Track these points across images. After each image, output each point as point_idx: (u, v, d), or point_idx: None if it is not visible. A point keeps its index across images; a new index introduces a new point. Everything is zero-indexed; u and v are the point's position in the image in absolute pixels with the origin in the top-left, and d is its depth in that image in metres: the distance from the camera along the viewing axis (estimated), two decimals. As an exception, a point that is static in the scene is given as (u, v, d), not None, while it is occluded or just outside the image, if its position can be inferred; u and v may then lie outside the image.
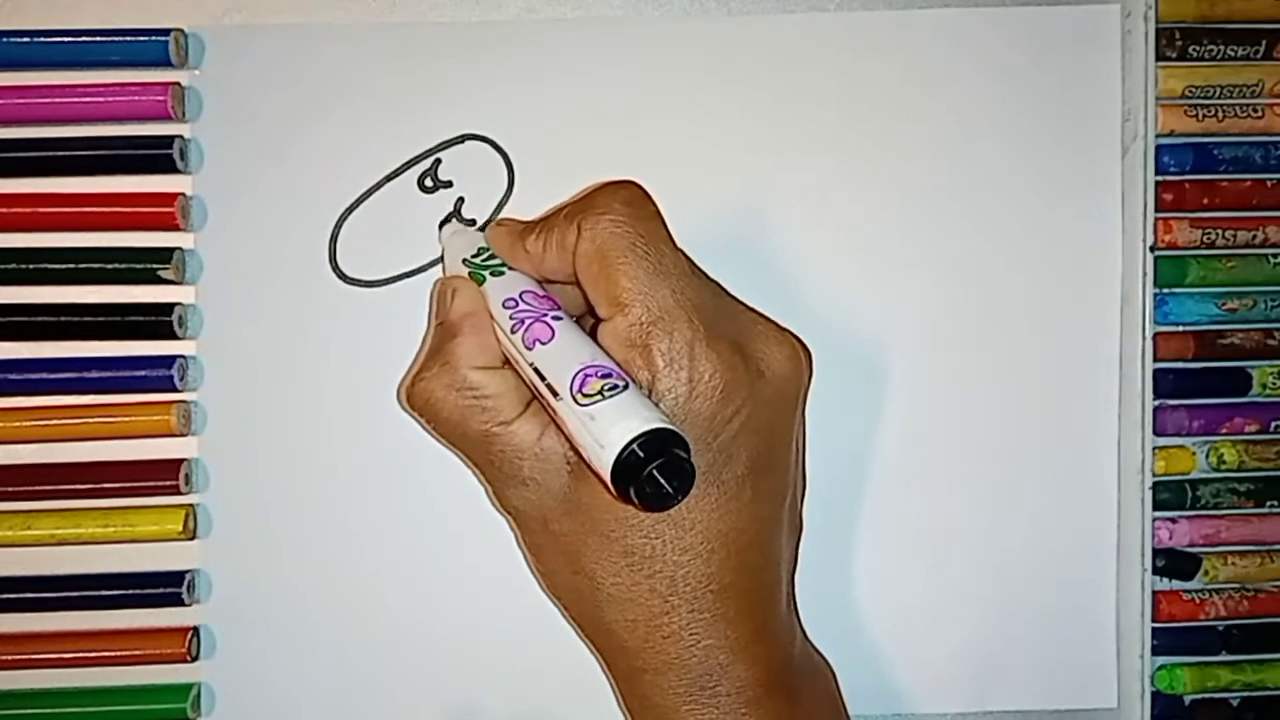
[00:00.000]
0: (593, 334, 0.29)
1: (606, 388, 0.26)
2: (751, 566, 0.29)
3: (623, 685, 0.31)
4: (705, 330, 0.28)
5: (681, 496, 0.25)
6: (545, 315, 0.29)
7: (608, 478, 0.25)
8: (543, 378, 0.28)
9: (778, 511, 0.30)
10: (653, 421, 0.25)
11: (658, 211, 0.29)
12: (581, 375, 0.27)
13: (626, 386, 0.26)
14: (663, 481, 0.25)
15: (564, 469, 0.29)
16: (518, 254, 0.31)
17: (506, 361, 0.30)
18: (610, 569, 0.29)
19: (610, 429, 0.25)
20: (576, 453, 0.28)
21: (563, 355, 0.28)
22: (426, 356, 0.31)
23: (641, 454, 0.25)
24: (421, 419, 0.30)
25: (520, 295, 0.30)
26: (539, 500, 0.29)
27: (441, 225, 0.35)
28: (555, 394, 0.27)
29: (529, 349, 0.28)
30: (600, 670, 0.35)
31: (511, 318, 0.29)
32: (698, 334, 0.28)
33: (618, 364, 0.28)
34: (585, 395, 0.26)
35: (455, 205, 0.36)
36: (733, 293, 0.31)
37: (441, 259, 0.35)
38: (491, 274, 0.31)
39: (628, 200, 0.29)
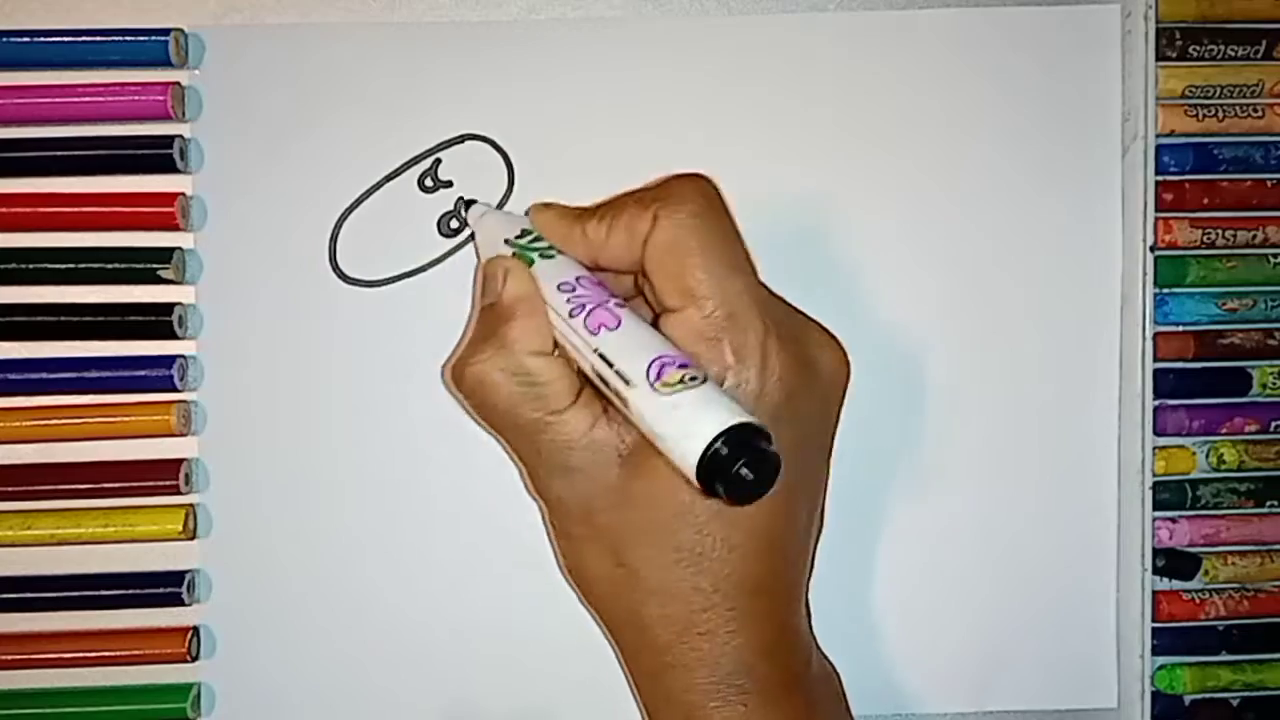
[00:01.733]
0: (653, 325, 0.29)
1: (687, 377, 0.26)
2: (784, 568, 0.29)
3: (645, 681, 0.30)
4: (775, 328, 0.28)
5: (767, 489, 0.25)
6: (607, 302, 0.28)
7: (693, 468, 0.25)
8: (610, 364, 0.27)
9: (813, 514, 0.30)
10: (740, 415, 0.25)
11: (728, 208, 0.29)
12: (659, 364, 0.26)
13: (706, 379, 0.26)
14: (749, 474, 0.24)
15: (615, 460, 0.29)
16: (574, 237, 0.30)
17: (556, 347, 0.30)
18: (657, 564, 0.28)
19: (697, 419, 0.25)
20: (649, 442, 0.27)
21: (634, 342, 0.27)
22: (478, 339, 0.30)
23: (725, 449, 0.25)
24: (469, 402, 0.30)
25: (577, 280, 0.29)
26: (586, 491, 0.29)
27: (467, 206, 0.35)
28: (627, 381, 0.26)
29: (594, 334, 0.28)
30: (599, 670, 0.35)
31: (570, 301, 0.29)
32: (770, 332, 0.28)
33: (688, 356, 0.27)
34: (665, 384, 0.26)
35: (455, 204, 0.36)
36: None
37: (471, 240, 0.35)
38: (541, 256, 0.30)
39: (706, 194, 0.29)
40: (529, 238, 0.31)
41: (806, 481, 0.30)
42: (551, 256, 0.30)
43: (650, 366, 0.26)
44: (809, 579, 0.31)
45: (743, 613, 0.29)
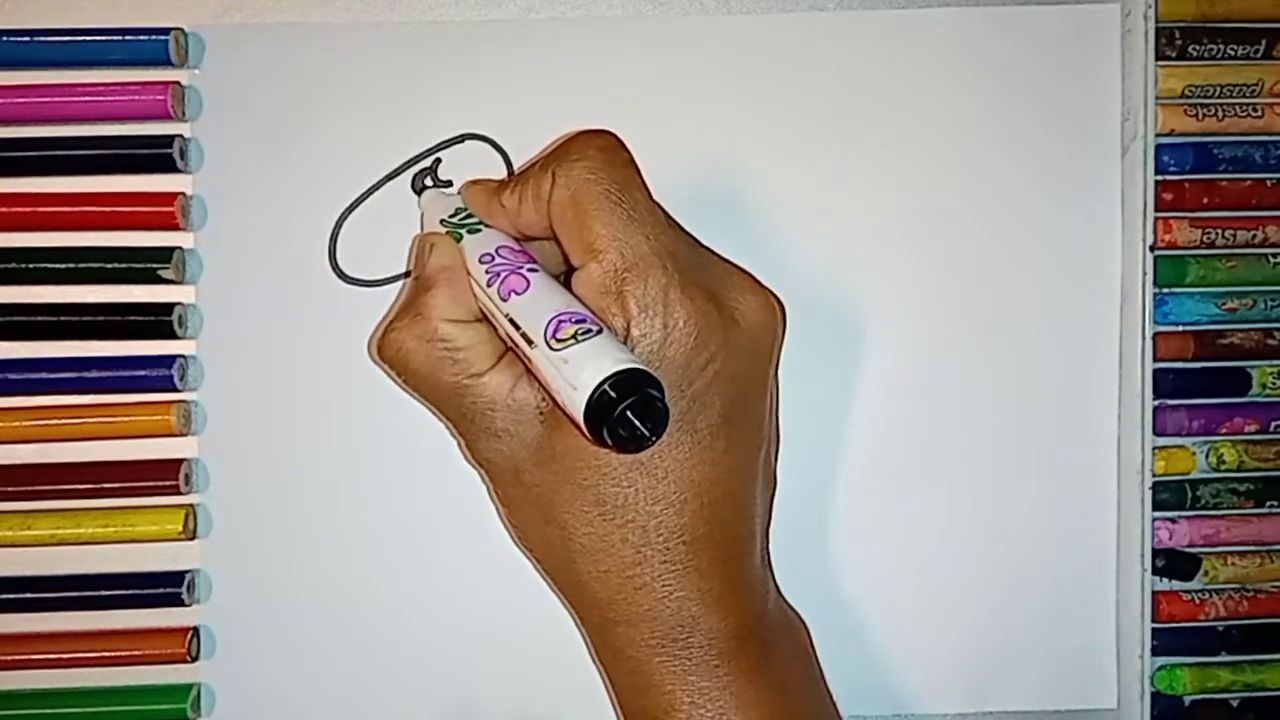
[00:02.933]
0: (567, 285, 0.29)
1: (580, 332, 0.26)
2: (724, 518, 0.29)
3: (595, 637, 0.31)
4: (680, 277, 0.28)
5: (655, 438, 0.25)
6: (521, 268, 0.29)
7: (581, 419, 0.25)
8: (517, 327, 0.28)
9: (752, 464, 0.30)
10: (625, 362, 0.25)
11: (632, 159, 0.29)
12: (555, 321, 0.27)
13: (600, 331, 0.27)
14: (636, 422, 0.25)
15: (537, 420, 0.29)
16: (494, 209, 0.31)
17: (481, 317, 0.30)
18: (583, 519, 0.29)
19: (583, 370, 0.25)
20: (551, 399, 0.28)
21: (537, 304, 0.28)
22: (400, 309, 0.30)
23: (614, 395, 0.25)
24: (391, 371, 0.30)
25: (496, 250, 0.30)
26: (511, 452, 0.29)
27: (420, 192, 0.35)
28: (530, 341, 0.27)
29: (504, 300, 0.28)
30: (594, 670, 0.35)
31: (487, 271, 0.29)
32: (672, 280, 0.28)
33: (592, 311, 0.28)
34: (559, 340, 0.26)
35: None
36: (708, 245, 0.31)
37: (421, 225, 0.35)
38: (469, 232, 0.31)
39: (602, 147, 0.29)
40: (461, 215, 0.32)
41: (738, 431, 0.29)
42: (479, 231, 0.31)
43: (549, 324, 0.27)
44: (765, 531, 0.31)
45: (680, 565, 0.28)
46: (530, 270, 0.29)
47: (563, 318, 0.27)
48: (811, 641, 0.32)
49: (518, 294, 0.28)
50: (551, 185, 0.29)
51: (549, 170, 0.29)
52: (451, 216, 0.32)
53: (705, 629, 0.29)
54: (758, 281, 0.30)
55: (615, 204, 0.28)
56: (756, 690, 0.29)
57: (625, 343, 0.27)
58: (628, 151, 0.29)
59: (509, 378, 0.29)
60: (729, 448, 0.29)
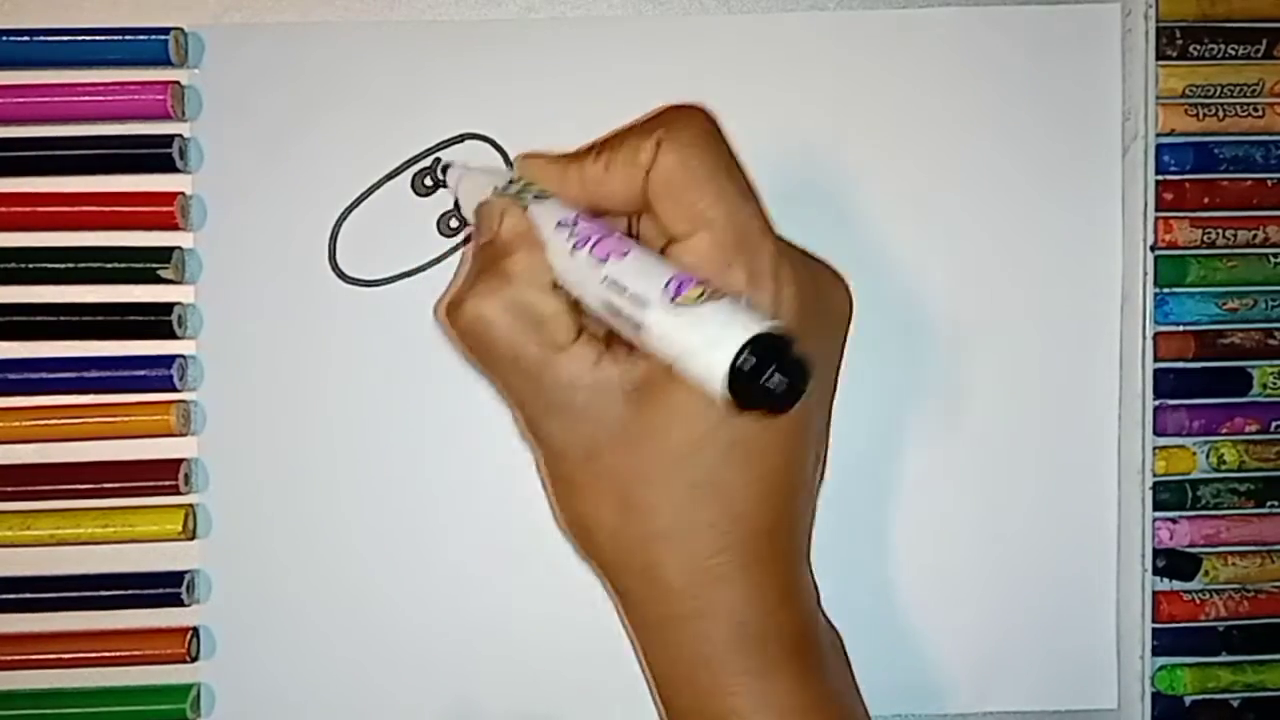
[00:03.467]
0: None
1: (704, 294, 0.25)
2: (796, 511, 0.29)
3: (651, 634, 0.29)
4: (786, 253, 0.27)
5: (798, 397, 0.24)
6: (613, 234, 0.28)
7: (721, 379, 0.24)
8: (622, 290, 0.26)
9: (820, 456, 0.30)
10: (763, 322, 0.24)
11: (729, 138, 0.29)
12: (676, 282, 0.26)
13: (723, 295, 0.25)
14: (789, 375, 0.24)
15: (620, 397, 0.28)
16: (570, 177, 0.29)
17: (556, 287, 0.29)
18: (671, 501, 0.27)
19: (723, 329, 0.24)
20: (658, 375, 0.26)
21: (646, 266, 0.26)
22: (474, 275, 0.28)
23: (753, 358, 0.24)
24: (465, 342, 0.29)
25: (575, 217, 0.28)
26: (589, 432, 0.28)
27: (444, 170, 0.34)
28: (644, 304, 0.26)
29: (603, 261, 0.27)
30: (600, 671, 0.35)
31: (571, 236, 0.28)
32: (782, 256, 0.27)
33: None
34: (685, 299, 0.25)
35: (455, 204, 0.36)
36: None
37: (456, 207, 0.34)
38: (534, 199, 0.29)
39: (707, 123, 0.28)
40: (518, 186, 0.31)
41: (814, 421, 0.29)
42: (544, 200, 0.30)
43: (669, 284, 0.26)
44: (811, 528, 0.31)
45: (758, 557, 0.28)
46: (623, 237, 0.28)
47: (682, 280, 0.26)
48: (844, 645, 0.32)
49: (618, 257, 0.27)
50: (656, 154, 0.27)
51: (652, 137, 0.27)
52: (506, 188, 0.31)
53: (778, 623, 0.28)
54: (838, 273, 0.30)
55: (727, 177, 0.27)
56: (815, 693, 0.28)
57: None
58: (724, 129, 0.29)
59: (593, 351, 0.28)
60: (808, 435, 0.28)
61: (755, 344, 0.24)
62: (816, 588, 0.31)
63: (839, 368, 0.30)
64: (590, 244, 0.27)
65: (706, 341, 0.24)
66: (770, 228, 0.28)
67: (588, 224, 0.28)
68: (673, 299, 0.25)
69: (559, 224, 0.28)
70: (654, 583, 0.28)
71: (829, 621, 0.32)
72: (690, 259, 0.27)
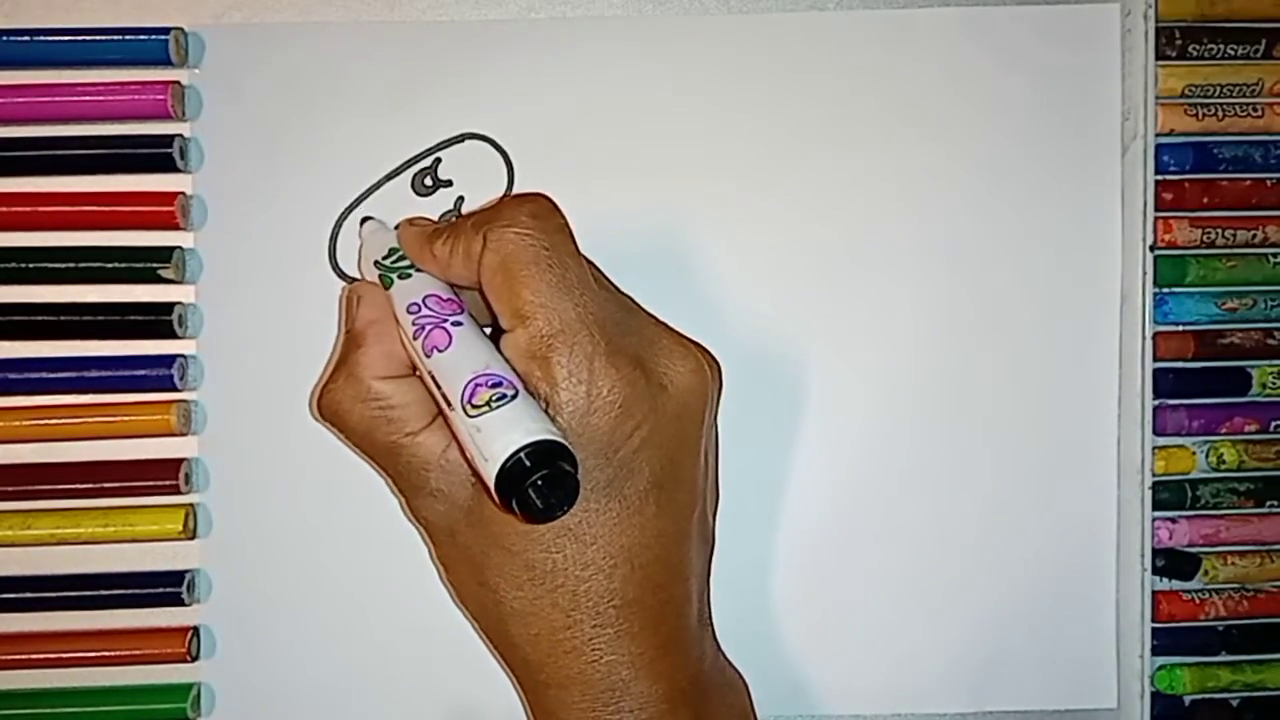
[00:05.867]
0: (495, 343, 0.29)
1: (495, 398, 0.26)
2: (657, 582, 0.29)
3: (529, 698, 0.30)
4: (606, 345, 0.28)
5: (564, 509, 0.25)
6: (445, 321, 0.29)
7: (492, 488, 0.25)
8: (439, 386, 0.27)
9: (685, 525, 0.30)
10: (535, 434, 0.25)
11: (565, 224, 0.29)
12: (472, 385, 0.26)
13: (515, 396, 0.26)
14: (541, 493, 0.25)
15: (468, 481, 0.29)
16: (425, 257, 0.30)
17: (414, 369, 0.30)
18: (512, 583, 0.29)
19: (494, 441, 0.25)
20: (468, 464, 0.28)
21: (456, 363, 0.27)
22: (334, 367, 0.30)
23: (529, 464, 0.25)
24: (331, 429, 0.30)
25: (424, 300, 0.29)
26: (446, 512, 0.29)
27: (363, 222, 0.35)
28: (449, 404, 0.27)
29: (427, 356, 0.28)
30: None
31: (414, 323, 0.29)
32: (598, 348, 0.28)
33: (518, 374, 0.27)
34: (474, 406, 0.26)
35: (455, 204, 0.36)
36: (643, 305, 0.31)
37: (358, 256, 0.35)
38: (399, 276, 0.31)
39: (534, 213, 0.29)
40: (394, 257, 0.32)
41: (668, 495, 0.29)
42: (409, 276, 0.31)
43: (465, 388, 0.26)
44: (703, 590, 0.31)
45: (610, 630, 0.28)
46: (454, 324, 0.29)
47: (479, 381, 0.27)
48: (751, 701, 0.32)
49: (439, 350, 0.28)
50: (482, 247, 0.28)
51: (480, 231, 0.29)
52: (385, 258, 0.32)
53: (636, 693, 0.29)
54: (690, 343, 0.30)
55: (545, 270, 0.28)
56: None
57: (549, 410, 0.27)
58: (561, 215, 0.29)
59: (443, 437, 0.29)
60: (659, 512, 0.29)
61: (530, 454, 0.25)
62: (716, 639, 0.32)
63: (704, 442, 0.30)
64: (424, 334, 0.28)
65: (481, 452, 0.26)
66: (593, 320, 0.28)
67: (432, 308, 0.29)
68: (465, 403, 0.26)
69: (408, 307, 0.29)
70: (515, 653, 0.30)
71: (734, 671, 0.32)
72: (512, 353, 0.28)
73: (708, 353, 0.30)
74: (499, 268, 0.28)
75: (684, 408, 0.29)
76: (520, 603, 0.29)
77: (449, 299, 0.30)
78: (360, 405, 0.29)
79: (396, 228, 0.33)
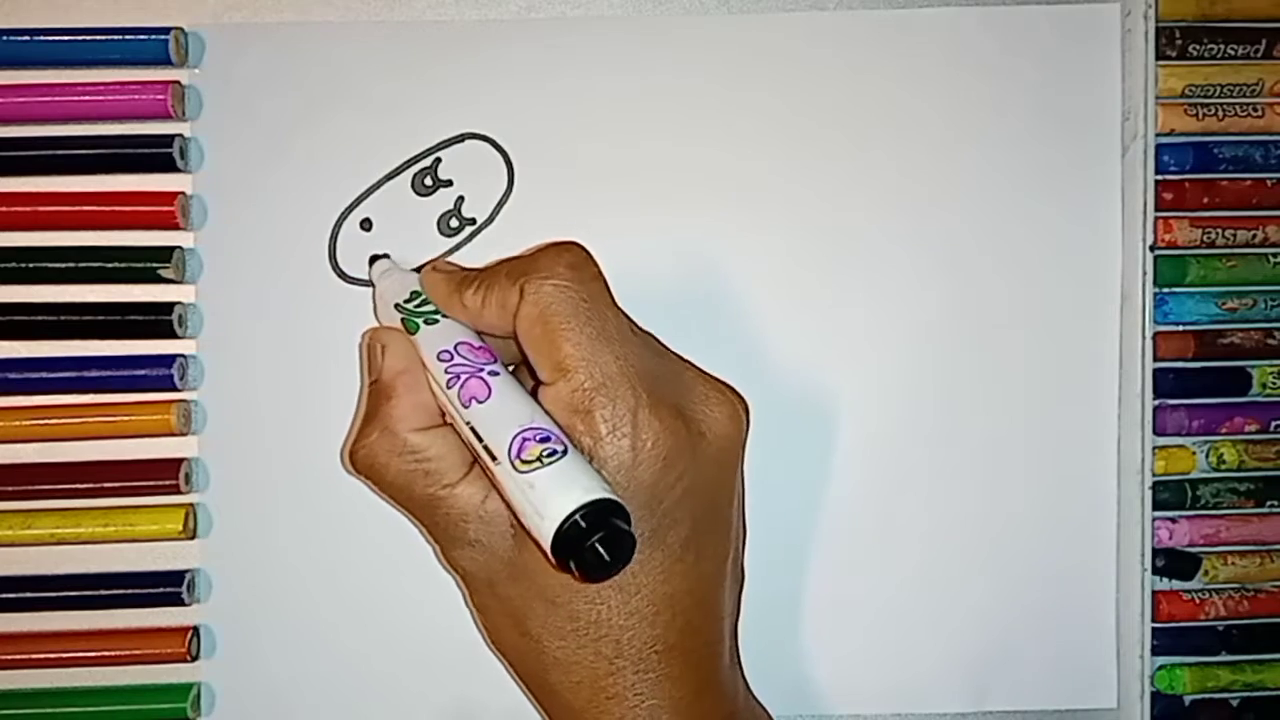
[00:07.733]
0: (533, 393, 0.28)
1: (545, 453, 0.26)
2: (696, 625, 0.29)
3: None
4: (648, 396, 0.28)
5: (621, 566, 0.25)
6: (482, 370, 0.28)
7: (548, 548, 0.25)
8: (480, 439, 0.27)
9: (721, 568, 0.30)
10: (594, 492, 0.25)
11: (600, 274, 0.29)
12: (520, 439, 0.26)
13: (566, 452, 0.26)
14: (603, 553, 0.25)
15: (508, 532, 0.29)
16: (454, 305, 0.30)
17: (444, 418, 0.30)
18: (555, 633, 0.28)
19: (550, 500, 0.25)
20: (516, 519, 0.27)
21: (500, 416, 0.27)
22: (365, 420, 0.30)
23: (583, 524, 0.25)
24: (367, 483, 0.30)
25: (455, 347, 0.29)
26: (485, 562, 0.29)
27: (372, 261, 0.35)
28: (494, 458, 0.27)
29: (465, 407, 0.28)
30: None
31: (447, 372, 0.28)
32: (641, 401, 0.28)
33: (559, 426, 0.27)
34: (524, 461, 0.26)
35: (455, 204, 0.36)
36: (673, 349, 0.31)
37: (373, 299, 0.35)
38: (425, 322, 0.30)
39: (571, 264, 0.29)
40: (418, 300, 0.31)
41: (708, 540, 0.29)
42: (436, 321, 0.30)
43: (513, 442, 0.26)
44: (734, 630, 0.31)
45: (653, 675, 0.28)
46: (491, 374, 0.28)
47: (526, 435, 0.26)
48: None
49: (479, 401, 0.28)
50: (519, 299, 0.28)
51: (516, 283, 0.28)
52: (407, 302, 0.31)
53: None
54: (724, 387, 0.30)
55: (585, 322, 0.28)
56: None
57: (593, 463, 0.27)
58: (596, 265, 0.29)
59: (481, 488, 0.29)
60: (699, 558, 0.29)
61: (584, 513, 0.25)
62: (745, 680, 0.32)
63: (736, 486, 0.31)
64: (460, 383, 0.28)
65: (534, 510, 0.25)
66: (634, 371, 0.28)
67: (465, 357, 0.29)
68: (514, 458, 0.26)
69: (439, 355, 0.29)
70: (556, 700, 0.29)
71: (762, 709, 0.32)
72: (553, 406, 0.28)
73: (738, 394, 0.30)
74: (538, 320, 0.28)
75: (722, 453, 0.29)
76: (563, 652, 0.28)
77: (480, 346, 0.29)
78: (397, 459, 0.29)
79: (418, 269, 0.33)
